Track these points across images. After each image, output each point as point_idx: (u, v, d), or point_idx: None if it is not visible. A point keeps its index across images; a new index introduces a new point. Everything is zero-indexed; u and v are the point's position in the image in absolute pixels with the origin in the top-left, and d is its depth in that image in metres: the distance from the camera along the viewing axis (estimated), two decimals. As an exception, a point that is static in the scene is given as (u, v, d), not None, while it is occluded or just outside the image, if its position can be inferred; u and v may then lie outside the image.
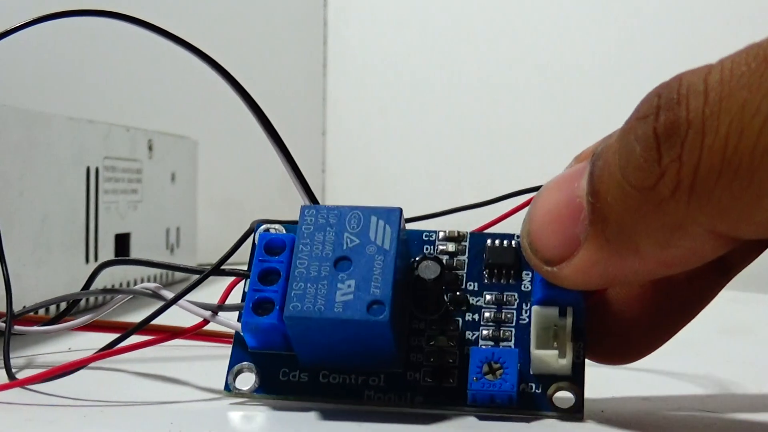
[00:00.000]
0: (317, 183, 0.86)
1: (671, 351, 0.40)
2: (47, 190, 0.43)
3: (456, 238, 0.30)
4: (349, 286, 0.27)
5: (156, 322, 0.31)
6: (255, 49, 0.82)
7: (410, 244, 0.30)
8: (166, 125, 0.66)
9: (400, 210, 0.28)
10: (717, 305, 0.57)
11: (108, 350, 0.29)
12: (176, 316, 0.30)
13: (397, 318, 0.27)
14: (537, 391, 0.27)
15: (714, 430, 0.26)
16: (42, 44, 0.70)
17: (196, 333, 0.30)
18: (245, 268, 0.29)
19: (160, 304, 0.29)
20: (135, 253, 0.54)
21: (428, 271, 0.28)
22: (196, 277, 0.29)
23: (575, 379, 0.27)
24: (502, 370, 0.27)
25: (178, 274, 0.58)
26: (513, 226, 0.30)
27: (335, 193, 0.86)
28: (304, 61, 0.86)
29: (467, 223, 0.31)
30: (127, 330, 0.29)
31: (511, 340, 0.28)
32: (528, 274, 0.29)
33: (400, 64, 0.84)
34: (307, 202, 0.31)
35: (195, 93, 0.78)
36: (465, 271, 0.29)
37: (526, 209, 0.32)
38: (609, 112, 0.73)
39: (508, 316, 0.28)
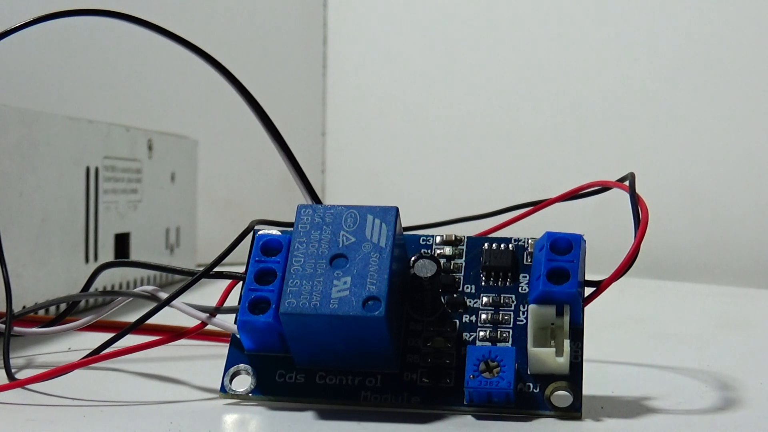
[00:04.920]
0: (317, 183, 0.86)
1: (670, 346, 0.41)
2: (47, 190, 0.43)
3: (453, 241, 0.30)
4: (344, 282, 0.27)
5: (159, 323, 0.31)
6: (255, 49, 0.82)
7: (408, 249, 0.30)
8: (166, 125, 0.66)
9: (396, 209, 0.28)
10: (716, 301, 0.57)
11: (109, 351, 0.29)
12: (177, 318, 0.30)
13: (394, 317, 0.27)
14: (535, 390, 0.27)
15: (714, 427, 0.27)
16: (42, 44, 0.70)
17: (197, 333, 0.30)
18: (244, 267, 0.29)
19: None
20: (135, 253, 0.54)
21: (424, 269, 0.28)
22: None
23: (573, 379, 0.27)
24: (499, 368, 0.27)
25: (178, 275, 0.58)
26: (510, 234, 0.30)
27: (335, 193, 0.86)
28: (304, 61, 0.86)
29: (465, 231, 0.31)
30: (122, 330, 0.29)
31: (508, 341, 0.28)
32: (525, 277, 0.29)
33: (400, 64, 0.84)
34: (309, 200, 0.31)
35: (195, 93, 0.78)
36: (462, 273, 0.29)
37: (523, 220, 0.32)
38: (611, 116, 0.73)
39: (506, 317, 0.28)
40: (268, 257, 0.28)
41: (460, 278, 0.29)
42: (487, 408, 0.27)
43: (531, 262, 0.29)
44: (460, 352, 0.28)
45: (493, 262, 0.29)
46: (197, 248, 0.66)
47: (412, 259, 0.28)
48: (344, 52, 0.86)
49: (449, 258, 0.30)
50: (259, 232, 0.29)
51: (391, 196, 0.80)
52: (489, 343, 0.28)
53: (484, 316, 0.29)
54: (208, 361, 0.35)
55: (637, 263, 0.28)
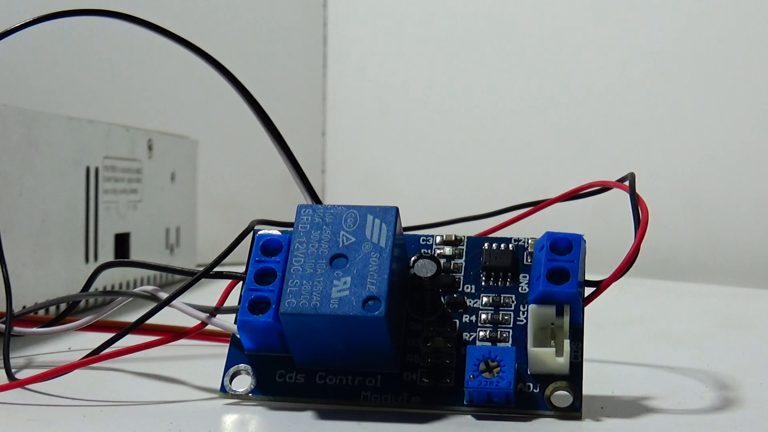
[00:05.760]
0: (317, 183, 0.86)
1: (670, 346, 0.41)
2: (47, 190, 0.43)
3: (453, 241, 0.30)
4: (344, 282, 0.27)
5: (159, 323, 0.31)
6: (255, 49, 0.82)
7: (408, 249, 0.30)
8: (166, 125, 0.66)
9: (396, 209, 0.28)
10: (716, 301, 0.57)
11: (109, 351, 0.29)
12: (177, 318, 0.30)
13: (394, 317, 0.27)
14: (535, 390, 0.27)
15: (714, 427, 0.27)
16: (42, 44, 0.70)
17: (197, 333, 0.30)
18: (244, 267, 0.29)
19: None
20: (135, 253, 0.54)
21: (424, 269, 0.28)
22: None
23: (573, 379, 0.27)
24: (499, 368, 0.27)
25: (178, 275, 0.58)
26: (510, 233, 0.30)
27: (335, 193, 0.86)
28: (304, 61, 0.86)
29: (465, 231, 0.31)
30: (122, 330, 0.29)
31: (508, 341, 0.28)
32: (525, 277, 0.29)
33: (400, 64, 0.84)
34: (308, 200, 0.31)
35: (195, 93, 0.78)
36: (462, 273, 0.29)
37: (523, 220, 0.32)
38: (611, 116, 0.73)
39: (506, 317, 0.28)
40: (268, 257, 0.28)
41: (460, 278, 0.29)
42: (487, 408, 0.27)
43: (531, 262, 0.29)
44: (460, 352, 0.28)
45: (493, 262, 0.29)
46: (197, 248, 0.66)
47: (412, 259, 0.28)
48: (344, 52, 0.86)
49: (449, 258, 0.30)
50: (259, 232, 0.29)
51: (391, 196, 0.80)
52: (489, 343, 0.28)
53: (484, 316, 0.29)
54: (208, 361, 0.35)
55: (637, 263, 0.28)
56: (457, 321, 0.29)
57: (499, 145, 0.79)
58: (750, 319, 0.50)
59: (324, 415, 0.27)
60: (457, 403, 0.27)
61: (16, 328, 0.31)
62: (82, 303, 0.43)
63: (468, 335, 0.28)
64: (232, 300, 0.30)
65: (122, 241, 0.53)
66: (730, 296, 0.59)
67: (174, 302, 0.29)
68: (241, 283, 0.29)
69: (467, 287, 0.29)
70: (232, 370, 0.29)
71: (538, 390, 0.27)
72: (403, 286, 0.29)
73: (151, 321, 0.29)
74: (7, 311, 0.31)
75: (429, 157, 0.83)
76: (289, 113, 0.82)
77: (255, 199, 0.82)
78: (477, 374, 0.27)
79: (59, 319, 0.33)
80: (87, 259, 0.48)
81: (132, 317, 0.30)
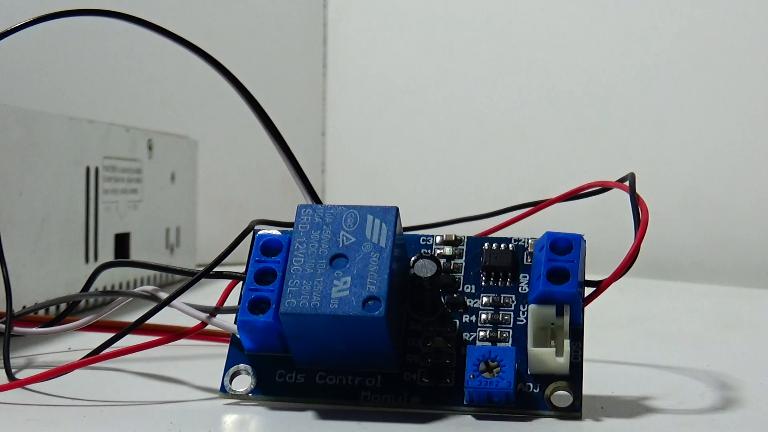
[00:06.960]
0: (317, 183, 0.86)
1: (670, 346, 0.41)
2: (47, 190, 0.43)
3: (453, 241, 0.30)
4: (344, 282, 0.27)
5: (159, 323, 0.31)
6: (255, 49, 0.82)
7: (408, 249, 0.30)
8: (166, 125, 0.66)
9: (396, 209, 0.28)
10: (717, 300, 0.57)
11: (109, 351, 0.29)
12: (177, 318, 0.30)
13: (394, 317, 0.27)
14: (535, 390, 0.27)
15: (714, 427, 0.27)
16: (42, 44, 0.70)
17: (197, 333, 0.30)
18: (244, 267, 0.29)
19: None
20: (135, 253, 0.54)
21: (424, 269, 0.28)
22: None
23: (573, 379, 0.27)
24: (499, 368, 0.27)
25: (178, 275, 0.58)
26: (510, 233, 0.30)
27: (335, 193, 0.86)
28: (304, 61, 0.86)
29: (465, 231, 0.31)
30: (122, 330, 0.29)
31: (508, 341, 0.28)
32: (525, 277, 0.29)
33: (400, 65, 0.84)
34: (308, 200, 0.31)
35: (195, 93, 0.78)
36: (462, 273, 0.29)
37: (523, 220, 0.32)
38: (611, 116, 0.73)
39: (506, 317, 0.28)
40: (268, 257, 0.28)
41: (460, 278, 0.29)
42: (487, 408, 0.27)
43: (531, 262, 0.29)
44: (460, 352, 0.28)
45: (493, 262, 0.29)
46: (197, 248, 0.66)
47: (412, 259, 0.28)
48: (344, 52, 0.86)
49: (449, 258, 0.30)
50: (259, 232, 0.29)
51: (391, 196, 0.80)
52: (489, 343, 0.28)
53: (484, 316, 0.29)
54: (208, 361, 0.35)
55: (637, 263, 0.28)
56: (457, 321, 0.29)
57: (499, 145, 0.79)
58: (750, 319, 0.50)
59: (324, 415, 0.27)
60: (457, 403, 0.27)
61: (16, 328, 0.31)
62: (82, 303, 0.43)
63: (468, 335, 0.28)
64: (232, 300, 0.30)
65: (122, 241, 0.53)
66: (730, 296, 0.59)
67: (174, 302, 0.29)
68: (241, 283, 0.29)
69: (467, 287, 0.29)
70: (232, 370, 0.29)
71: (538, 390, 0.27)
72: (403, 286, 0.29)
73: (151, 321, 0.29)
74: (7, 311, 0.31)
75: (429, 157, 0.83)
76: (289, 113, 0.82)
77: (255, 199, 0.82)
78: (477, 374, 0.27)
79: (59, 319, 0.33)
80: (87, 259, 0.48)
81: (132, 317, 0.30)
